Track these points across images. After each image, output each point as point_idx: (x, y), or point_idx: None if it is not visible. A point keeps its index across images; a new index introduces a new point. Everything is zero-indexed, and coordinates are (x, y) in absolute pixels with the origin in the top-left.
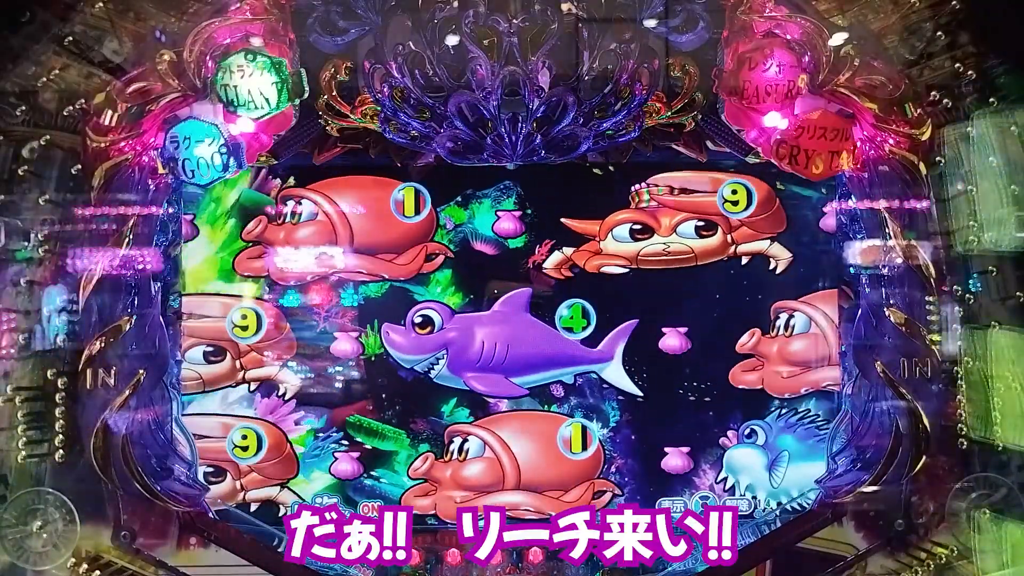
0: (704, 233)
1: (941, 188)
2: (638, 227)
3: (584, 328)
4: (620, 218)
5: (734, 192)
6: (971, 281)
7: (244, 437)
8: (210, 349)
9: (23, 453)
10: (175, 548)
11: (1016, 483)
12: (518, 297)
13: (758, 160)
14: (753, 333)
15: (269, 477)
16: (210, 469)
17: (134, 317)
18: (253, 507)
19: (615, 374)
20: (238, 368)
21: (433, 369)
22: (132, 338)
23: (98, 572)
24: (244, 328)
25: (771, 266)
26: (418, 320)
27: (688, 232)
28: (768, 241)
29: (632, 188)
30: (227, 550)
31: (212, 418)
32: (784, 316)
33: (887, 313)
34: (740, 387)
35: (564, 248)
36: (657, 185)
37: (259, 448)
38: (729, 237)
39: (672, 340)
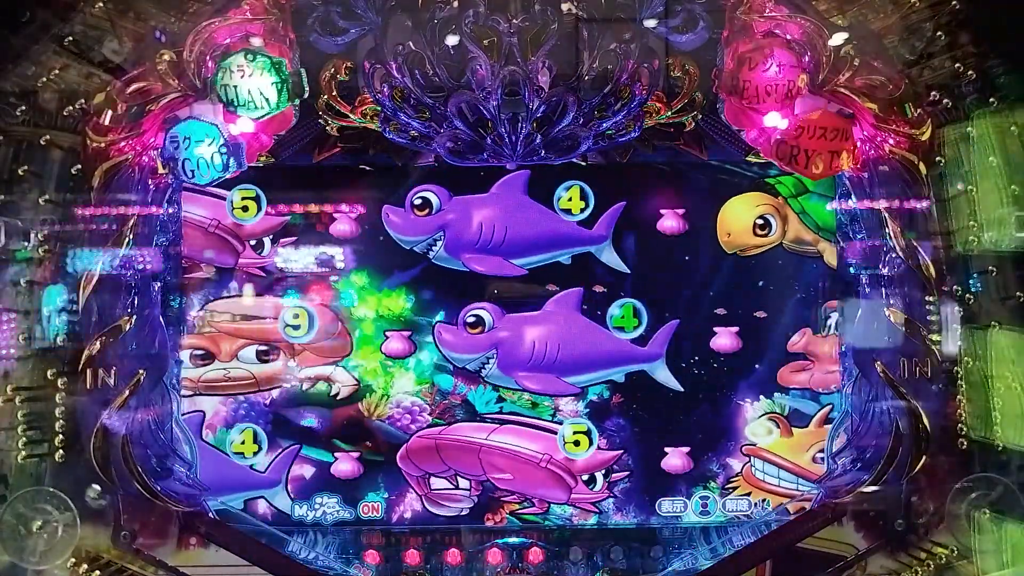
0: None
1: (941, 188)
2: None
3: (635, 328)
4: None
5: None
6: (971, 281)
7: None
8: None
9: (23, 453)
10: (175, 548)
11: (1016, 483)
12: (569, 297)
13: (759, 160)
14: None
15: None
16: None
17: (134, 317)
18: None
19: (663, 372)
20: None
21: (484, 368)
22: (132, 338)
23: (98, 572)
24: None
25: None
26: (470, 320)
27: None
28: None
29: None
30: (227, 550)
31: None
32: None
33: (887, 313)
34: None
35: None
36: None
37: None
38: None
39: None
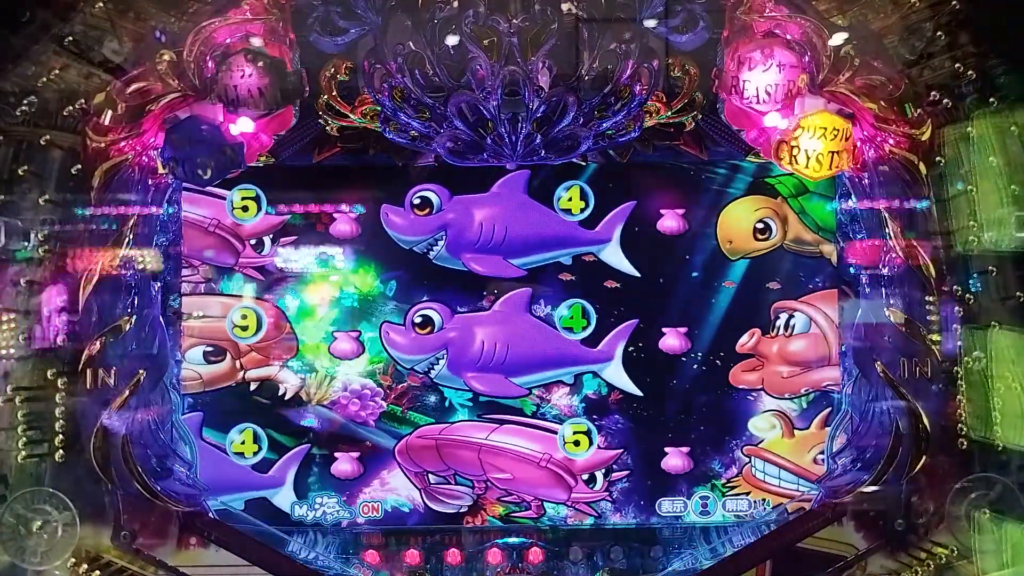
0: None
1: (941, 188)
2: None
3: (584, 328)
4: None
5: None
6: (971, 281)
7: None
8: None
9: (23, 453)
10: (175, 548)
11: (1016, 483)
12: (518, 297)
13: (758, 160)
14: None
15: None
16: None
17: (134, 317)
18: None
19: (615, 374)
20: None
21: (433, 369)
22: (132, 338)
23: (98, 572)
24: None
25: None
26: (418, 320)
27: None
28: None
29: None
30: (227, 550)
31: None
32: (784, 316)
33: (887, 313)
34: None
35: None
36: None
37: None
38: None
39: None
